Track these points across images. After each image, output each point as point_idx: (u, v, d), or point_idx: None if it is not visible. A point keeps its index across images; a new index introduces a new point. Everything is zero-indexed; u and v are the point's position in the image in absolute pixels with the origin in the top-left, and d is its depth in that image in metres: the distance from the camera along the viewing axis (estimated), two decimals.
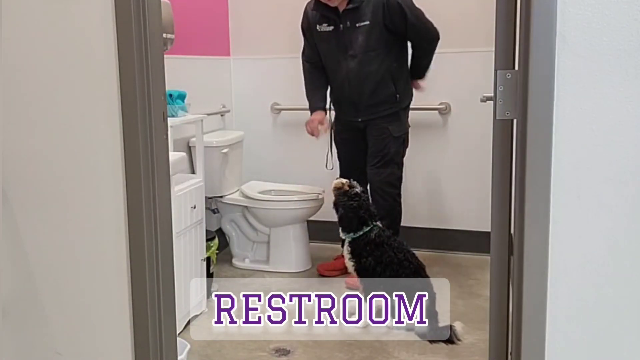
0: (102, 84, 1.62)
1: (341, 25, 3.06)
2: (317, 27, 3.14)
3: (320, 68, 3.28)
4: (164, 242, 1.70)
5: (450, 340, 2.56)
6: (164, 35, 2.23)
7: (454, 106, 3.67)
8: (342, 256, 3.23)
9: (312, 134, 3.25)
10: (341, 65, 3.12)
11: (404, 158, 3.25)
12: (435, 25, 3.09)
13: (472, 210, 3.60)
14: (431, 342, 2.58)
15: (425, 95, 3.69)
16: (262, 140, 3.93)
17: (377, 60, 3.06)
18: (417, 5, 3.06)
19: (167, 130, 1.70)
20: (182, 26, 3.06)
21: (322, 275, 3.40)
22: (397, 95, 3.13)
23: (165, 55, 1.70)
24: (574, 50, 1.27)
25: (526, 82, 1.30)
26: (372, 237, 2.77)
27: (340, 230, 2.86)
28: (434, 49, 3.12)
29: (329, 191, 3.27)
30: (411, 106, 3.69)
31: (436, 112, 3.70)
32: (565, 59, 1.27)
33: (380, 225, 2.83)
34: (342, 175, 3.27)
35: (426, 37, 3.10)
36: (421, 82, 3.32)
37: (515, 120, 1.38)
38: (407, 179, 3.80)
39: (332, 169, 3.39)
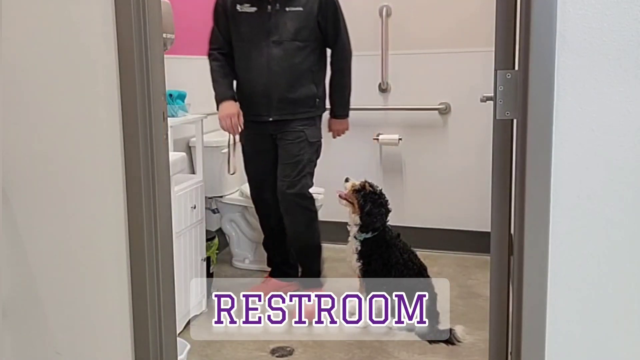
0: (102, 84, 1.62)
1: (269, 7, 2.76)
2: (238, 6, 2.81)
3: (231, 60, 2.92)
4: (164, 242, 1.70)
5: (450, 341, 2.56)
6: (164, 35, 2.23)
7: (454, 106, 3.67)
8: (269, 277, 3.15)
9: (230, 131, 2.86)
10: (261, 52, 2.78)
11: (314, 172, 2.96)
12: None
13: (472, 210, 3.60)
14: (431, 342, 2.58)
15: (425, 95, 3.70)
16: None
17: (302, 53, 2.79)
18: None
19: (167, 130, 1.70)
20: (182, 26, 3.06)
21: None
22: (317, 100, 2.88)
23: (165, 55, 1.70)
24: (574, 50, 1.27)
25: (526, 82, 1.30)
26: (386, 238, 2.75)
27: (357, 230, 2.73)
28: (349, 67, 2.92)
29: (329, 191, 3.27)
30: (411, 106, 3.73)
31: (436, 112, 3.70)
32: (565, 59, 1.27)
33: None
34: (253, 193, 3.08)
35: (345, 48, 2.89)
36: (340, 124, 3.03)
37: (515, 120, 1.38)
38: (407, 179, 3.81)
39: (234, 173, 3.04)
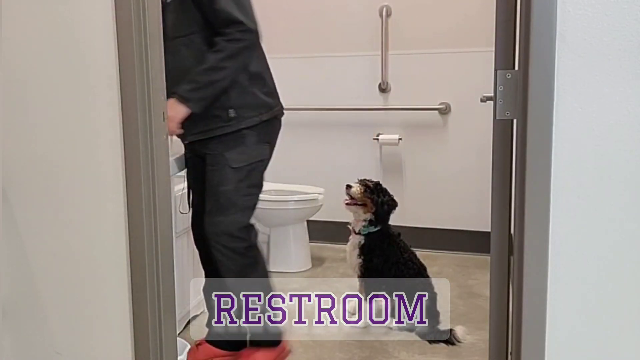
0: (102, 84, 1.62)
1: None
2: None
3: None
4: (164, 242, 1.70)
5: (450, 342, 2.56)
6: None
7: (454, 106, 3.67)
8: (204, 342, 2.43)
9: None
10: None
11: (256, 201, 2.29)
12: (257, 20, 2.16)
13: (472, 210, 3.60)
14: (431, 342, 2.58)
15: (425, 95, 3.70)
16: None
17: (189, 51, 2.13)
18: None
19: (167, 130, 1.70)
20: None
21: None
22: (231, 109, 2.17)
23: None
24: (574, 50, 1.27)
25: (526, 82, 1.30)
26: (389, 232, 2.77)
27: (364, 224, 2.72)
28: (238, 50, 2.10)
29: (329, 191, 3.28)
30: (411, 106, 3.72)
31: (436, 112, 3.70)
32: (565, 59, 1.27)
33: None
34: (193, 225, 2.41)
35: (229, 23, 2.07)
36: (171, 109, 1.99)
37: (515, 120, 1.38)
38: (407, 179, 3.81)
39: (187, 213, 2.48)
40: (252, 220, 2.28)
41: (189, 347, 2.20)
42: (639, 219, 1.30)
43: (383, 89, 3.78)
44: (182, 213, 2.49)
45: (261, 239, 3.51)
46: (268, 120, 2.26)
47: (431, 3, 3.63)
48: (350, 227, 2.81)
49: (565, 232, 1.32)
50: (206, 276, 2.47)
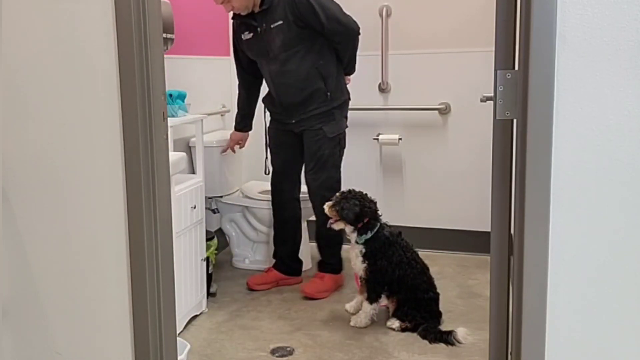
0: (102, 84, 1.62)
1: (258, 29, 2.96)
2: (242, 36, 3.06)
3: (248, 84, 3.25)
4: (164, 242, 1.70)
5: (450, 342, 2.56)
6: (164, 35, 2.23)
7: (454, 106, 3.67)
8: (272, 269, 3.27)
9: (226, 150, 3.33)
10: (266, 69, 3.06)
11: (342, 160, 3.13)
12: (355, 19, 2.99)
13: (472, 210, 3.60)
14: (431, 342, 2.58)
15: (425, 96, 3.70)
16: (262, 140, 3.92)
17: (296, 59, 2.95)
18: (334, 0, 2.94)
19: (167, 130, 1.70)
20: (182, 26, 3.06)
21: (251, 290, 3.20)
22: (328, 94, 3.00)
23: (165, 55, 1.70)
24: (574, 50, 1.27)
25: (526, 82, 1.30)
26: (386, 234, 2.75)
27: (356, 235, 2.73)
28: (352, 45, 3.03)
29: None
30: (411, 106, 3.72)
31: (436, 112, 3.70)
32: (565, 59, 1.28)
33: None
34: (273, 182, 3.24)
35: (341, 32, 2.95)
36: (347, 79, 3.22)
37: (515, 120, 1.38)
38: (407, 179, 3.81)
39: (269, 173, 3.32)
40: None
41: (189, 346, 2.20)
42: (639, 218, 1.30)
43: (383, 89, 3.78)
44: (266, 174, 3.34)
45: (261, 239, 3.53)
46: (345, 100, 3.12)
47: (431, 3, 3.63)
48: (348, 237, 2.80)
49: (565, 232, 1.32)
50: (277, 226, 3.29)
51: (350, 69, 3.15)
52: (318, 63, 2.97)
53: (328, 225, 2.79)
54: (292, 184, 3.19)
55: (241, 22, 3.04)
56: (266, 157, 3.33)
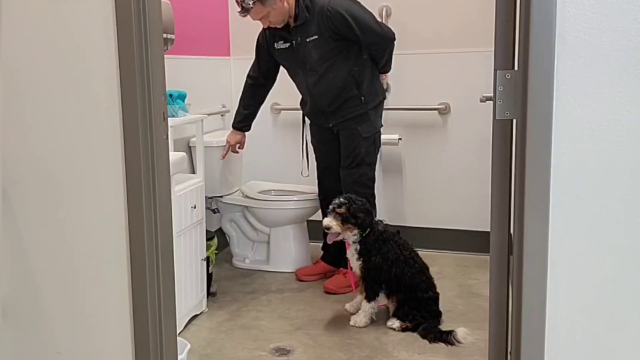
0: (102, 84, 1.62)
1: (294, 42, 3.03)
2: (275, 44, 3.11)
3: (259, 86, 3.29)
4: (164, 242, 1.70)
5: (450, 342, 2.56)
6: (164, 35, 2.23)
7: (454, 106, 3.67)
8: (320, 261, 3.39)
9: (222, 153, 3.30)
10: (303, 80, 3.13)
11: (377, 158, 3.24)
12: (390, 27, 3.11)
13: (472, 210, 3.60)
14: (431, 342, 2.58)
15: (425, 95, 3.70)
16: (262, 140, 3.93)
17: (334, 69, 3.02)
18: (367, 9, 2.98)
19: (167, 130, 1.70)
20: (182, 26, 3.06)
21: (300, 280, 3.34)
22: (362, 98, 3.08)
23: (165, 55, 1.70)
24: (573, 50, 1.27)
25: (526, 82, 1.30)
26: (380, 230, 2.76)
27: (355, 238, 2.76)
28: (389, 50, 3.11)
29: None
30: (411, 106, 3.73)
31: (436, 112, 3.70)
32: (565, 59, 1.28)
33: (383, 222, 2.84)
34: (318, 177, 3.34)
35: (377, 42, 3.04)
36: (383, 76, 3.36)
37: (515, 120, 1.38)
38: (407, 179, 3.81)
39: (308, 176, 3.43)
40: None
41: (189, 346, 2.20)
42: (639, 218, 1.30)
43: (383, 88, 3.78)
44: (304, 177, 3.50)
45: (261, 238, 3.53)
46: (380, 101, 3.20)
47: (431, 3, 3.63)
48: (345, 241, 2.80)
49: (565, 232, 1.32)
50: (323, 215, 3.20)
51: (387, 69, 3.22)
52: (353, 70, 3.04)
53: (330, 241, 2.80)
54: (336, 178, 3.21)
55: (276, 33, 3.08)
56: (302, 158, 3.43)
